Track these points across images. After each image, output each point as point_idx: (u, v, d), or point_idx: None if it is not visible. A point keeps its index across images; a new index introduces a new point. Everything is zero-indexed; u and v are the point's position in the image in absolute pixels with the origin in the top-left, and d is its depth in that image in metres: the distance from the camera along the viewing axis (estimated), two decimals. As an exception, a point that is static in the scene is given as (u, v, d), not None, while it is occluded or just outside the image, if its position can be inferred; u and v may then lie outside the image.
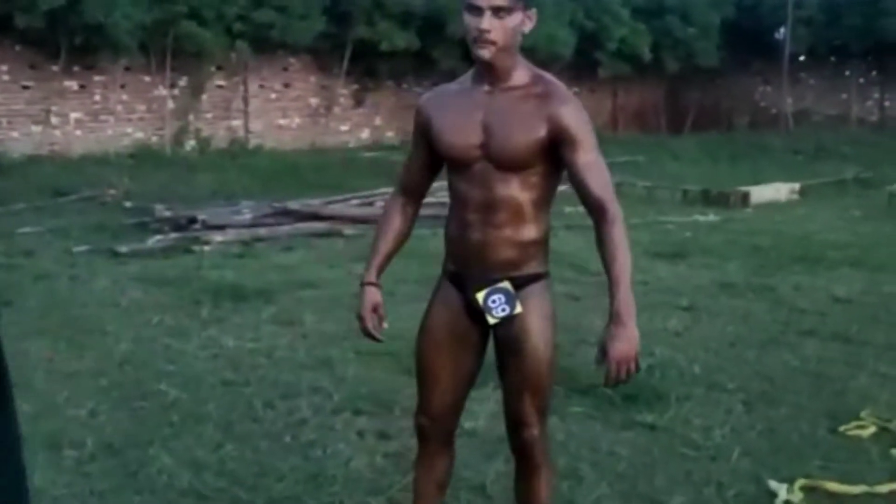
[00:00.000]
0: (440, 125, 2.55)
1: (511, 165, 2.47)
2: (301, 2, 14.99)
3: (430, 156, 2.63)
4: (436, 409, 2.67)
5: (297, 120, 16.96)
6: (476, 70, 2.53)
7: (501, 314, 2.52)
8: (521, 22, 2.44)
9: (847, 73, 20.87)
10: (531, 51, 18.20)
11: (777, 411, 4.24)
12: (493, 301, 2.51)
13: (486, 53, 2.42)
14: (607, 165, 2.48)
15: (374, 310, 2.65)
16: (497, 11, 2.39)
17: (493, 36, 2.40)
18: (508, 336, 2.54)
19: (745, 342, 5.36)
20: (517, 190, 2.49)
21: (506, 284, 2.51)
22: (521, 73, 2.50)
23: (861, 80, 20.95)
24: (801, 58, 20.65)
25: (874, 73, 20.91)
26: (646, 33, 18.85)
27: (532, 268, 2.54)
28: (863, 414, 4.13)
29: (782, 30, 19.97)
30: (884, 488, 3.46)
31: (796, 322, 5.82)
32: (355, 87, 17.52)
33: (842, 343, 5.34)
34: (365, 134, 17.88)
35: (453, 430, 2.75)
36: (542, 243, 2.56)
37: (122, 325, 5.53)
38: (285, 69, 16.80)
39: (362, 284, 2.67)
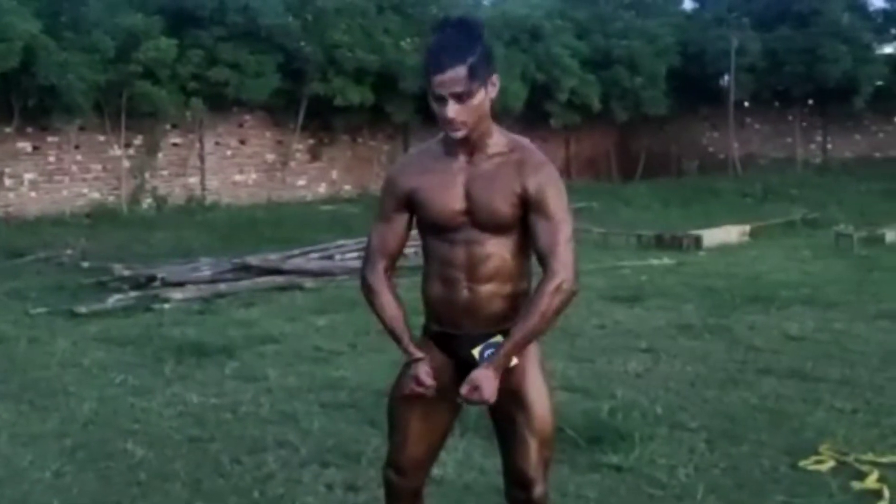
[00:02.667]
0: (425, 193, 2.58)
1: (494, 228, 2.54)
2: (255, 59, 15.13)
3: (409, 222, 2.66)
4: (406, 464, 2.69)
5: (253, 175, 17.01)
6: (451, 141, 2.55)
7: None
8: (486, 94, 2.49)
9: (790, 117, 21.50)
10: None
11: (739, 448, 4.32)
12: (488, 356, 2.54)
13: (458, 135, 2.50)
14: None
15: (430, 373, 2.58)
16: (459, 97, 2.45)
17: (461, 119, 2.47)
18: (508, 389, 2.54)
19: (705, 381, 5.46)
20: (500, 247, 2.55)
21: (499, 338, 2.55)
22: (497, 140, 2.57)
23: (804, 124, 21.59)
24: (746, 103, 21.25)
25: (816, 116, 21.56)
26: (595, 84, 19.28)
27: None
28: (821, 449, 4.22)
29: (726, 77, 20.53)
30: (844, 520, 3.56)
31: (753, 360, 5.94)
32: (311, 141, 17.65)
33: (798, 380, 5.46)
34: (322, 188, 17.96)
35: (421, 486, 2.76)
36: (527, 295, 2.59)
37: (84, 386, 5.48)
38: (241, 126, 16.88)
39: (411, 362, 2.60)
